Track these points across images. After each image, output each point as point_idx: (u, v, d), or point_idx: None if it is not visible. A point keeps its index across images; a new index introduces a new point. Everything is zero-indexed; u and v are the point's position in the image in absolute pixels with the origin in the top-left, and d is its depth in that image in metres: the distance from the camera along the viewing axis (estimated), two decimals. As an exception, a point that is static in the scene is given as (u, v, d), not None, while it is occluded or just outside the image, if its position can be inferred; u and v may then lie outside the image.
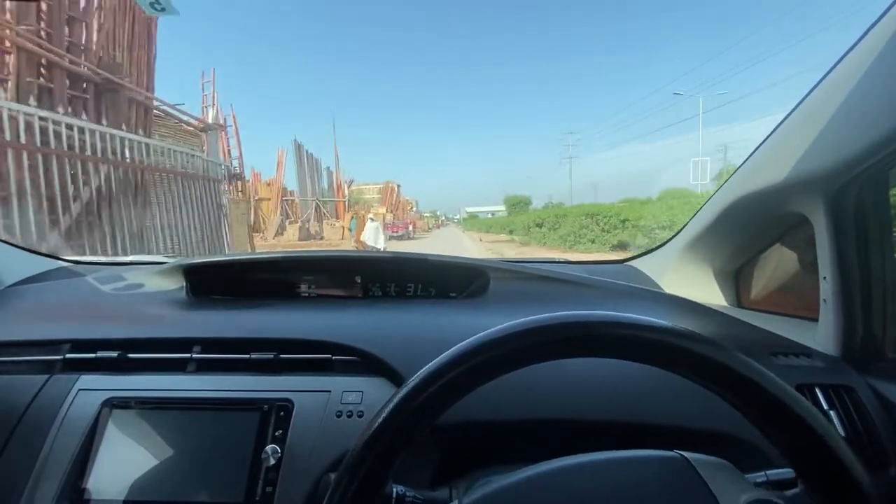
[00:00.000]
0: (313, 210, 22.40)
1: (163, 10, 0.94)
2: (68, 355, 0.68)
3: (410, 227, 25.35)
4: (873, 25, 0.50)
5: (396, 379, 0.62)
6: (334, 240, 19.00)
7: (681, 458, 0.39)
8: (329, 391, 0.63)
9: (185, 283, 0.91)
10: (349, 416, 0.60)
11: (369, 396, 0.62)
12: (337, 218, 22.78)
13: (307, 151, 23.87)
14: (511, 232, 23.66)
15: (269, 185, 21.02)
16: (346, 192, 26.34)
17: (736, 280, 0.94)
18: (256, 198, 19.21)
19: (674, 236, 1.00)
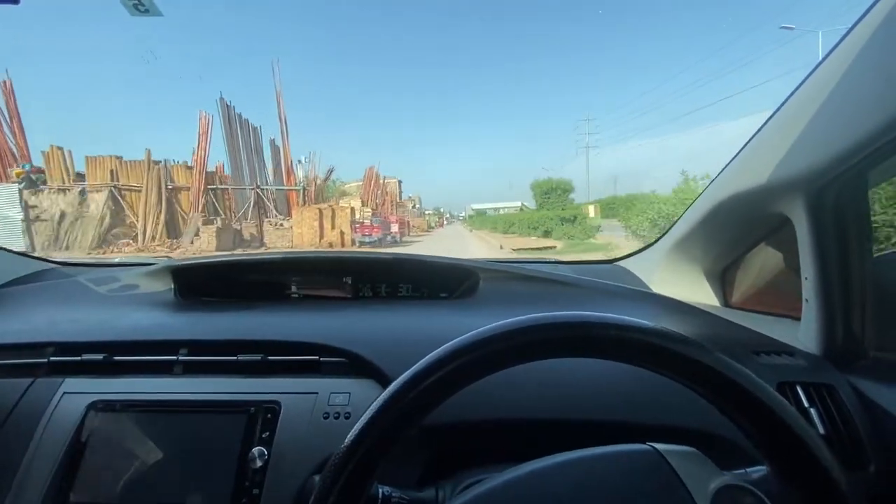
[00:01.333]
0: (252, 203, 16.48)
1: (146, 11, 0.94)
2: (53, 358, 0.68)
3: (395, 228, 18.96)
4: (851, 30, 0.51)
5: (384, 380, 0.62)
6: (280, 246, 14.29)
7: (651, 450, 0.40)
8: (316, 393, 0.63)
9: (173, 285, 0.91)
10: (336, 418, 0.60)
11: (357, 398, 0.62)
12: (289, 214, 16.94)
13: (241, 117, 16.34)
14: (548, 232, 16.42)
15: (190, 168, 15.45)
16: (319, 181, 19.26)
17: (722, 280, 0.95)
18: (171, 186, 14.82)
19: (662, 236, 1.01)
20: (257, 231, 15.99)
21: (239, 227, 15.43)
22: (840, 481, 0.31)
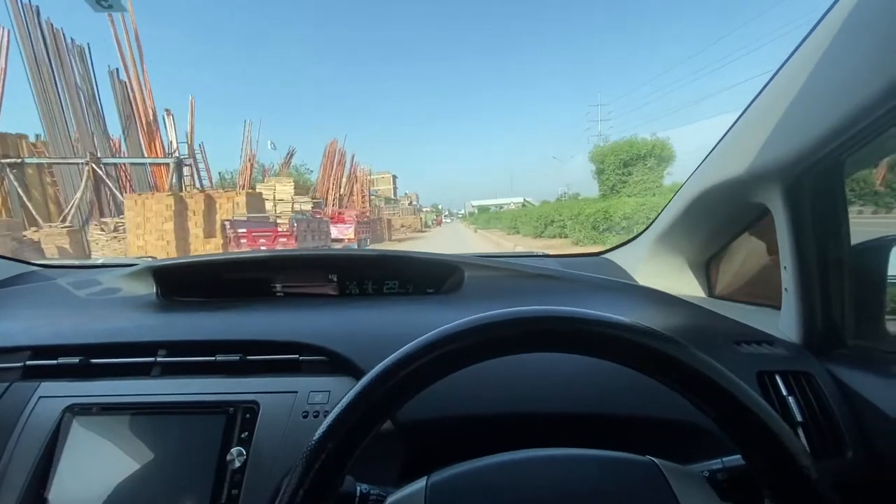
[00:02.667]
0: (85, 188, 9.44)
1: (109, 6, 0.92)
2: (28, 362, 0.67)
3: (345, 232, 12.93)
4: (822, 18, 0.51)
5: (362, 377, 0.62)
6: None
7: (651, 464, 0.40)
8: (296, 392, 0.62)
9: (154, 286, 0.90)
10: (315, 417, 0.60)
11: (336, 396, 0.62)
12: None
13: (61, 35, 8.98)
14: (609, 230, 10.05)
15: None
16: (255, 164, 12.94)
17: (706, 270, 0.95)
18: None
19: (646, 229, 1.01)
20: (71, 242, 8.55)
21: (22, 237, 8.04)
22: (812, 471, 0.31)
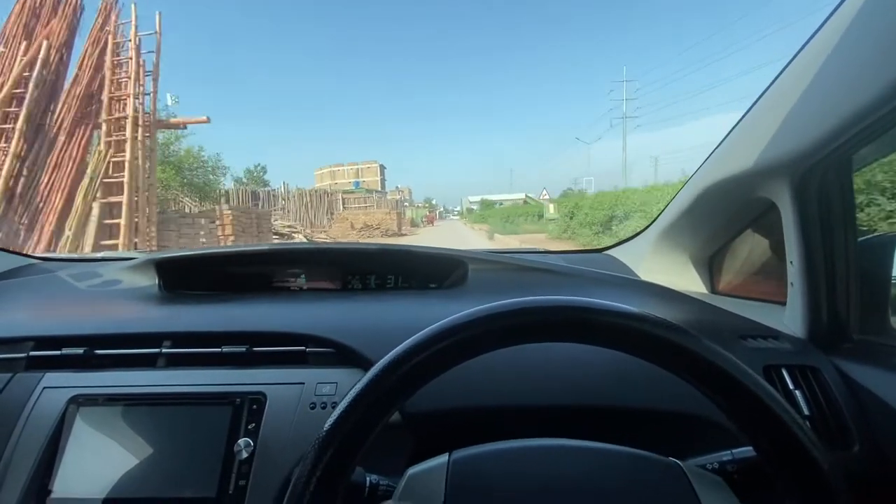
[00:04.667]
0: None
1: None
2: (32, 353, 0.66)
3: None
4: (833, 12, 0.51)
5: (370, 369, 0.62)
6: None
7: (676, 465, 0.40)
8: (303, 383, 0.62)
9: (157, 278, 0.90)
10: (323, 408, 0.59)
11: (343, 387, 0.61)
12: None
13: None
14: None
15: None
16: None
17: (710, 266, 0.96)
18: None
19: (650, 225, 1.01)
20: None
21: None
22: (823, 462, 0.31)
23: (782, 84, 0.60)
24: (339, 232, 18.42)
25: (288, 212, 19.26)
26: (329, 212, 21.35)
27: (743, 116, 0.68)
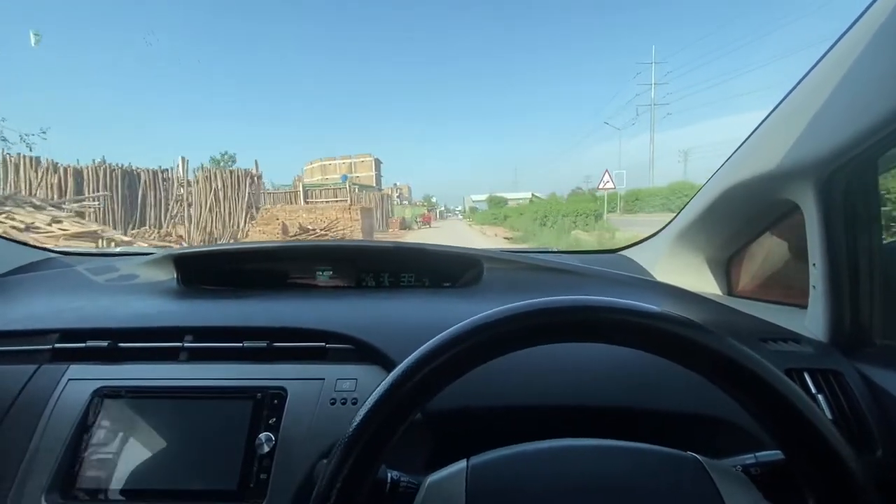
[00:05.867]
0: None
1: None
2: (57, 345, 0.67)
3: None
4: (862, 15, 0.51)
5: (390, 366, 0.62)
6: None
7: (695, 460, 0.40)
8: (323, 379, 0.63)
9: (175, 274, 0.91)
10: (343, 404, 0.60)
11: (363, 384, 0.62)
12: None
13: None
14: None
15: None
16: None
17: (727, 268, 0.95)
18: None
19: (666, 225, 1.01)
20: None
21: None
22: (855, 469, 0.31)
23: (809, 84, 0.59)
24: (262, 237, 11.64)
25: (189, 204, 12.16)
26: (251, 206, 12.92)
27: (767, 117, 0.67)
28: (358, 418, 0.33)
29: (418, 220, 27.90)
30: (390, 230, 19.64)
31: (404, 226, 22.89)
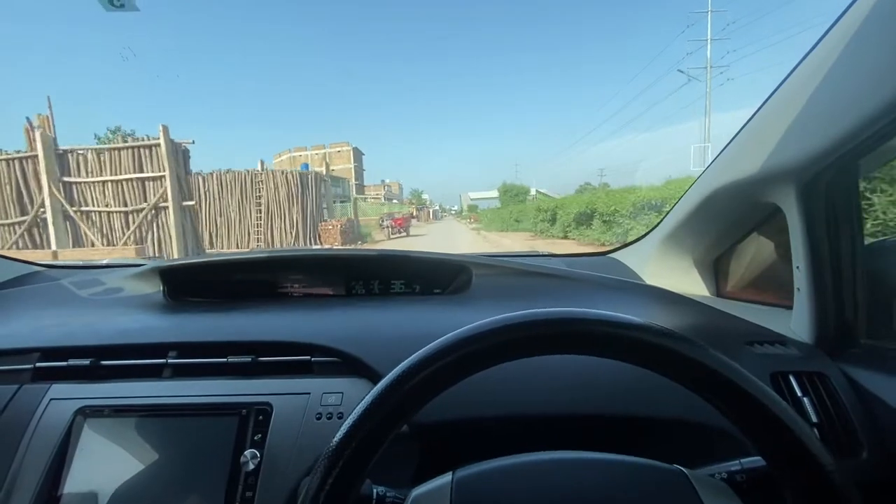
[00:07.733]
0: None
1: (122, 6, 0.91)
2: (38, 364, 0.66)
3: None
4: (840, 17, 0.51)
5: (377, 379, 0.61)
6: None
7: (680, 473, 0.40)
8: (309, 393, 0.62)
9: (161, 287, 0.90)
10: (329, 418, 0.59)
11: (349, 397, 0.61)
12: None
13: None
14: None
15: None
16: None
17: (715, 270, 0.95)
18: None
19: (653, 228, 1.01)
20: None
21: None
22: (833, 472, 0.31)
23: (789, 88, 0.59)
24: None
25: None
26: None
27: (749, 120, 0.67)
28: (339, 434, 0.33)
29: (385, 223, 16.97)
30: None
31: (353, 235, 12.57)
